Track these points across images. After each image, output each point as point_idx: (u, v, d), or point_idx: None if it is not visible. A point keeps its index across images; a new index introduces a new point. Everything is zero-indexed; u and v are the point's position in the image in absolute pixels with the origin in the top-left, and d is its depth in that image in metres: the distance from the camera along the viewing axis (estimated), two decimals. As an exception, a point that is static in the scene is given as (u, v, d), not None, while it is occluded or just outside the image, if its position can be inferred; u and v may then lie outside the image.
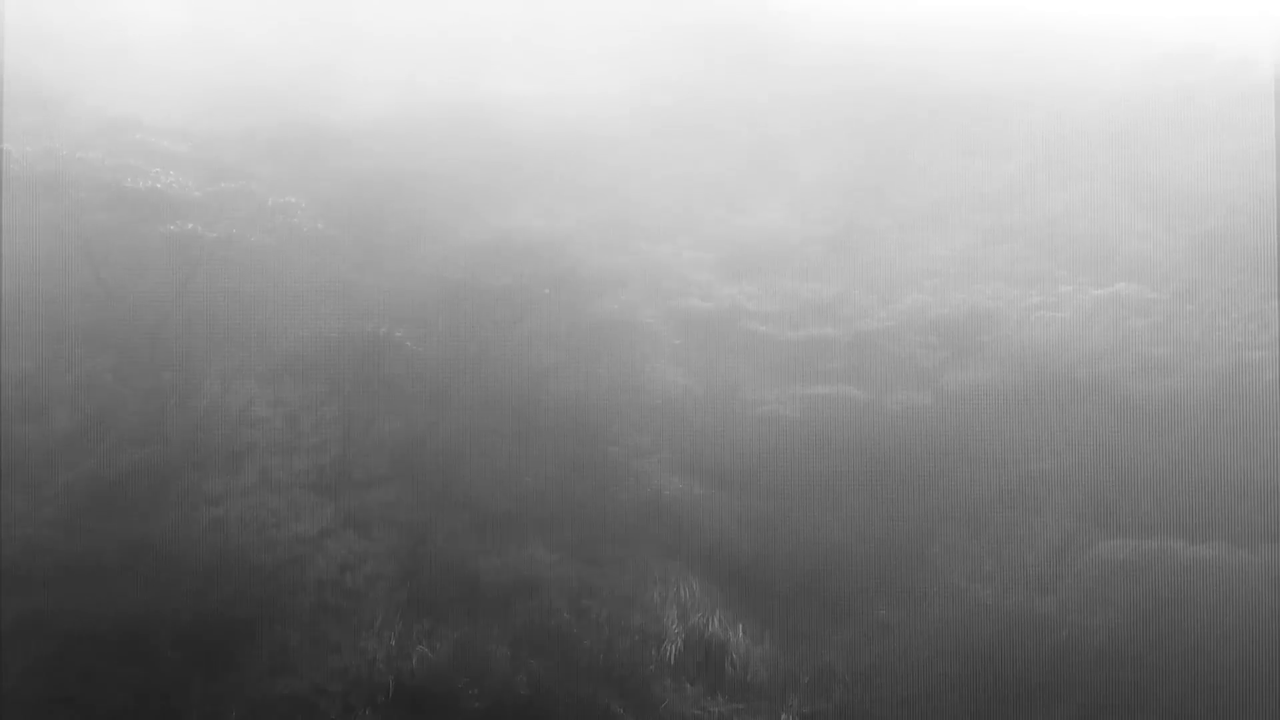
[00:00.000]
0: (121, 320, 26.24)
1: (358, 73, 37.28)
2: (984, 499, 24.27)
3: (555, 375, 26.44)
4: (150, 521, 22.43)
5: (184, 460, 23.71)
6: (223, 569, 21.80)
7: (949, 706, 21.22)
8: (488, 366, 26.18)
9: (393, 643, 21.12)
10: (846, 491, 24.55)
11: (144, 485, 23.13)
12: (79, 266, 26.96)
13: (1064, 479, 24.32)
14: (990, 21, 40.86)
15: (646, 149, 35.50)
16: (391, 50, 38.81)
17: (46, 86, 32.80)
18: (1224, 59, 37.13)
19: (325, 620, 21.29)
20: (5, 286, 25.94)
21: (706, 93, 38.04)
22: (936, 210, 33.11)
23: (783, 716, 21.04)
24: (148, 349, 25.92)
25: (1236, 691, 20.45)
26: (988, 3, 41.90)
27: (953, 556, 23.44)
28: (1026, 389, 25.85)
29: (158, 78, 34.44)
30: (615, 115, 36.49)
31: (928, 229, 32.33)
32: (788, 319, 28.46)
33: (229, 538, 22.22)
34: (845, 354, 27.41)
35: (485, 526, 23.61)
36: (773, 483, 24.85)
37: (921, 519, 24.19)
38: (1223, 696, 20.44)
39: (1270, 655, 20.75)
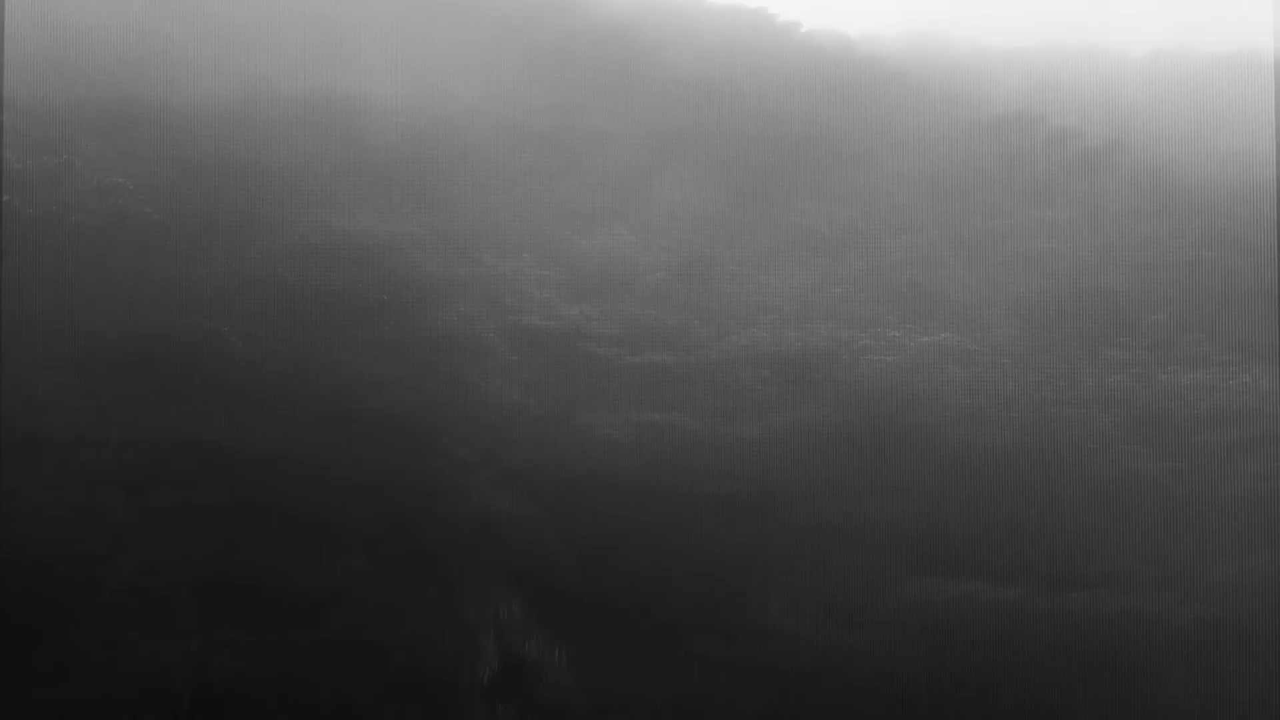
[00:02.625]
0: (-84, 295, 24.46)
1: (202, 59, 35.91)
2: (802, 534, 24.81)
3: (386, 384, 25.85)
4: (-67, 512, 20.90)
5: (-24, 449, 22.19)
6: (10, 566, 20.44)
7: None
8: (316, 371, 25.40)
9: (193, 650, 20.16)
10: (673, 519, 24.73)
11: (-73, 474, 21.56)
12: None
13: (879, 519, 25.07)
14: (837, 69, 42.27)
15: (498, 163, 35.27)
16: (242, 40, 37.54)
17: None
18: (1052, 127, 39.29)
19: (120, 624, 20.14)
20: None
21: (562, 114, 38.13)
22: (777, 249, 33.93)
23: (591, 741, 20.98)
24: (-56, 328, 24.23)
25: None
26: (835, 52, 43.34)
27: (769, 590, 23.86)
28: (851, 429, 26.64)
29: (-22, 41, 32.37)
30: (468, 127, 36.17)
31: (767, 267, 33.07)
32: (627, 343, 28.60)
33: (20, 533, 20.85)
34: (681, 383, 27.70)
35: (300, 534, 22.79)
36: (600, 506, 24.84)
37: (743, 551, 24.55)
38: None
39: (1061, 698, 21.75)
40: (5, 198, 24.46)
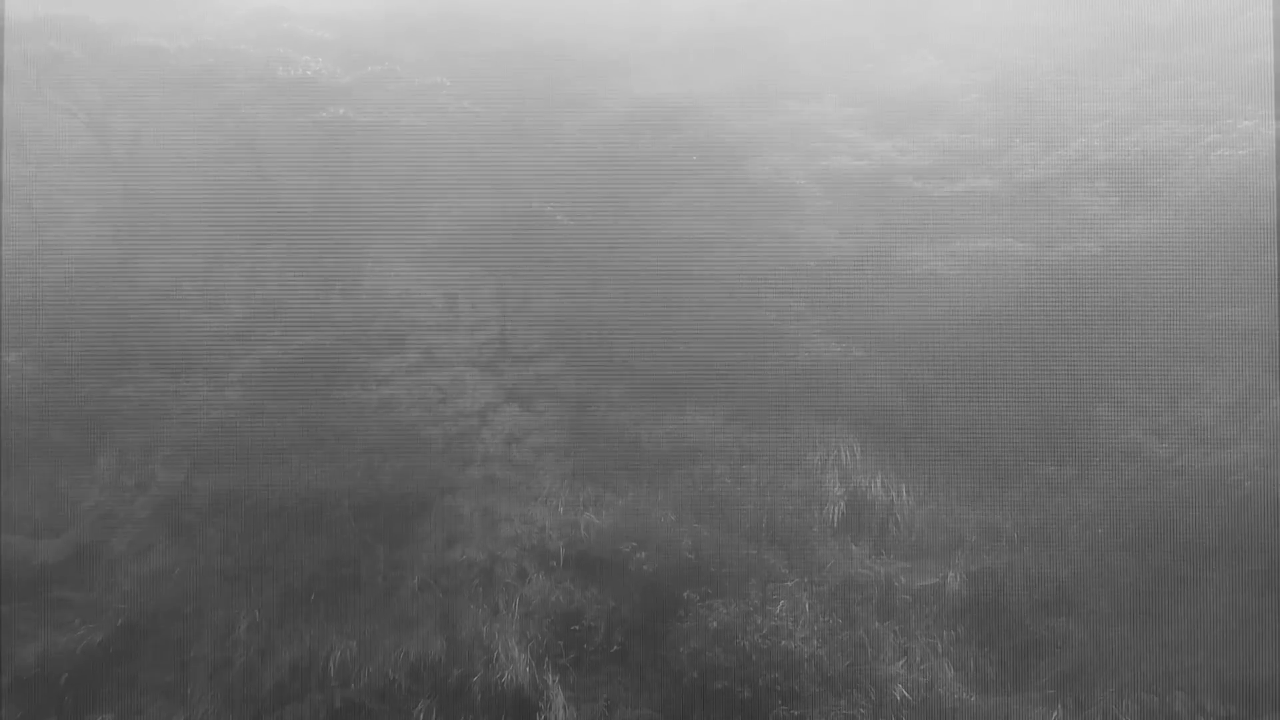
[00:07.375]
0: (282, 211, 26.95)
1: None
2: (1158, 352, 23.31)
3: (707, 242, 26.18)
4: (324, 401, 23.34)
5: (352, 342, 24.50)
6: (394, 445, 22.62)
7: (1123, 562, 20.83)
8: (638, 237, 26.05)
9: (561, 511, 21.73)
10: (1007, 346, 23.88)
11: (316, 368, 24.01)
12: (239, 160, 27.71)
13: (1241, 329, 23.11)
14: None
15: (783, 8, 34.31)
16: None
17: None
18: None
19: (495, 491, 21.99)
20: (173, 183, 26.91)
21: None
22: (1101, 48, 31.14)
23: (949, 575, 20.97)
24: (310, 237, 26.63)
25: None
26: None
27: (1124, 413, 22.68)
28: (1202, 234, 24.43)
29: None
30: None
31: (1092, 69, 30.47)
32: (944, 173, 27.35)
33: (399, 415, 22.98)
34: (1006, 207, 26.26)
35: (644, 395, 23.86)
36: (930, 342, 24.34)
37: (1090, 373, 23.43)
38: None
39: None
40: (343, 111, 26.35)
